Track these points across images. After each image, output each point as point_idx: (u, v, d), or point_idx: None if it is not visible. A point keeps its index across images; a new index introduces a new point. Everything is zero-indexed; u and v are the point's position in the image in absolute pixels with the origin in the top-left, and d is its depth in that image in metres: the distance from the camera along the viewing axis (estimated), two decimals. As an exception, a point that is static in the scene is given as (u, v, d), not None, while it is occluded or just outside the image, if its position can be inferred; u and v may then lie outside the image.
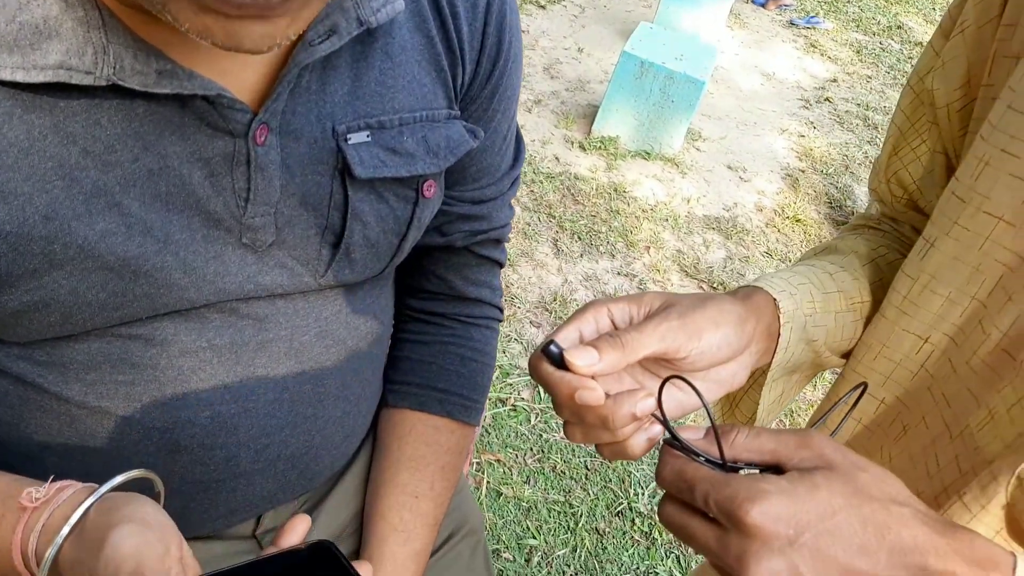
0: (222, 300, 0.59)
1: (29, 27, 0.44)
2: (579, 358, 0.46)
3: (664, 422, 0.47)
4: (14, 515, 0.45)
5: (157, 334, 0.58)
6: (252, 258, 0.59)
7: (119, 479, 0.43)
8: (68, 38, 0.45)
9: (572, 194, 3.08)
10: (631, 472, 2.10)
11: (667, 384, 0.46)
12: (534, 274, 2.66)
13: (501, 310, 0.86)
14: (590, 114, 3.54)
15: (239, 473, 0.67)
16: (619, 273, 2.79)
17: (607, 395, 0.47)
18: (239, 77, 0.52)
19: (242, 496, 0.69)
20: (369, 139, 0.59)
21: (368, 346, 0.73)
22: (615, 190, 3.19)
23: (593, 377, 0.46)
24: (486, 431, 2.11)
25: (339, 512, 0.80)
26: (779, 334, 0.56)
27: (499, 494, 1.97)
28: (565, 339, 0.49)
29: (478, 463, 2.02)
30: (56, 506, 0.45)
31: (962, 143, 0.63)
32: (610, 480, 2.07)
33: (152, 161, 0.51)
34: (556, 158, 3.27)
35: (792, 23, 5.58)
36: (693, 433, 0.45)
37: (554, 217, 2.92)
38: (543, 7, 4.41)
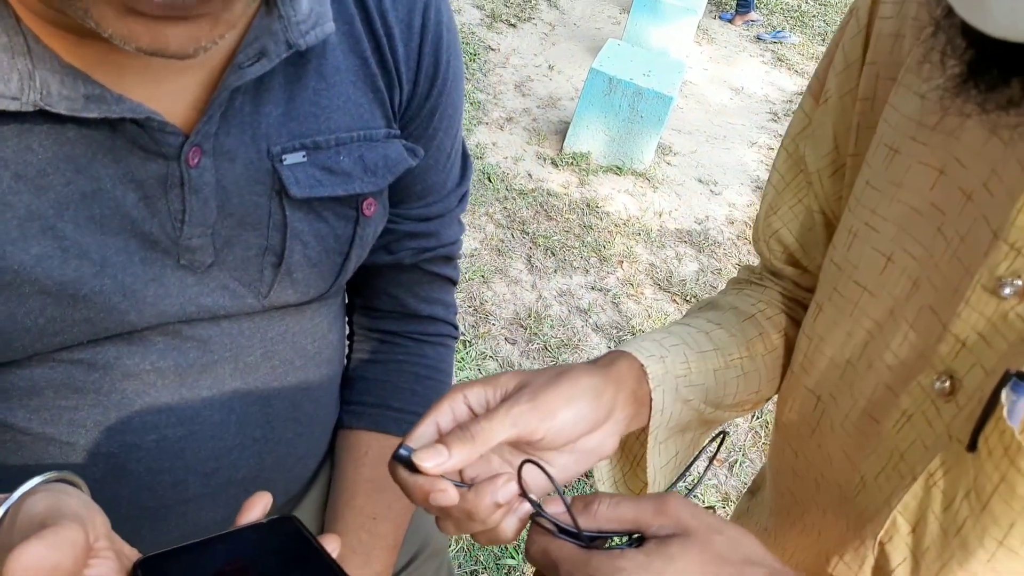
0: (164, 323, 0.59)
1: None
2: (427, 460, 0.45)
3: (529, 499, 0.47)
4: None
5: (99, 358, 0.58)
6: (192, 279, 0.59)
7: (32, 483, 0.41)
8: (-5, 62, 0.45)
9: (545, 210, 3.10)
10: (607, 486, 2.11)
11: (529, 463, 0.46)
12: (508, 291, 2.67)
13: (456, 327, 0.86)
14: (562, 130, 3.57)
15: (188, 498, 0.66)
16: (593, 288, 2.80)
17: (469, 486, 0.47)
18: (171, 101, 0.53)
19: (192, 522, 0.68)
20: (305, 159, 0.59)
21: (317, 366, 0.73)
22: (588, 205, 3.21)
23: (454, 474, 0.47)
24: (461, 449, 2.11)
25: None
26: (650, 398, 0.56)
27: (475, 512, 1.96)
28: (422, 436, 0.48)
29: (453, 482, 2.02)
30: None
31: (839, 205, 0.64)
32: (586, 495, 2.07)
33: (85, 184, 0.51)
34: (529, 175, 3.29)
35: (759, 38, 5.66)
36: (558, 507, 0.45)
37: (527, 233, 2.93)
38: (513, 25, 4.45)
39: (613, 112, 3.43)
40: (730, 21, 5.82)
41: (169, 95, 0.53)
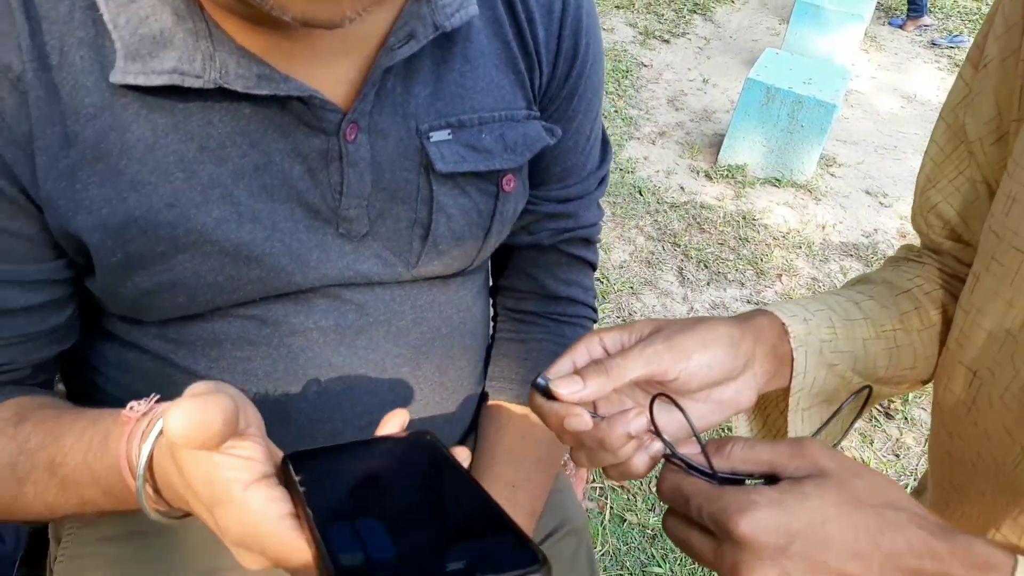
0: (325, 285, 0.65)
1: (148, 39, 0.52)
2: (564, 387, 0.48)
3: (660, 436, 0.48)
4: (120, 429, 0.51)
5: (270, 315, 0.65)
6: (349, 247, 0.65)
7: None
8: (180, 47, 0.52)
9: (698, 223, 3.05)
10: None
11: (665, 404, 0.47)
12: (658, 302, 2.64)
13: (595, 310, 0.88)
14: (716, 143, 3.50)
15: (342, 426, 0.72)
16: (748, 301, 2.72)
17: (602, 418, 0.48)
18: (331, 82, 0.59)
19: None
20: (450, 137, 0.64)
21: (462, 336, 0.77)
22: (744, 218, 3.13)
23: (589, 405, 0.48)
24: (608, 457, 2.11)
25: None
26: (791, 357, 0.55)
27: (623, 520, 1.95)
28: (558, 371, 0.50)
29: (601, 488, 2.02)
30: (153, 417, 0.48)
31: (1002, 173, 0.60)
32: (738, 510, 2.00)
33: (258, 156, 0.58)
34: (681, 188, 3.25)
35: (934, 43, 5.30)
36: (691, 448, 0.46)
37: (679, 246, 2.90)
38: (667, 41, 4.43)
39: (771, 123, 3.33)
40: (901, 27, 5.49)
41: (330, 76, 0.59)
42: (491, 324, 0.89)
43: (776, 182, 3.36)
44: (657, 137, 3.53)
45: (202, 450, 0.40)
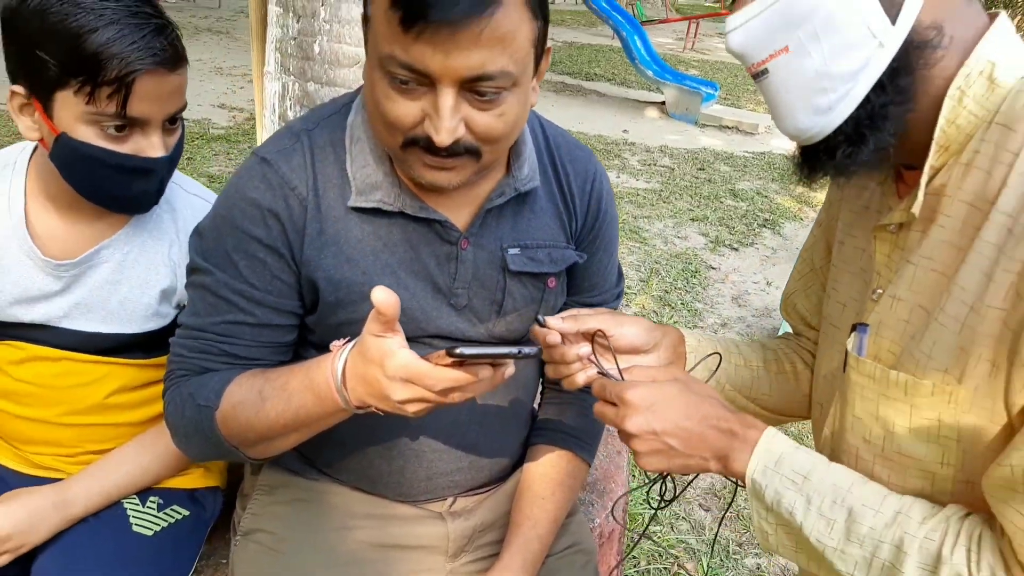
0: (436, 335, 1.10)
1: (368, 184, 1.02)
2: (550, 321, 0.96)
3: (595, 358, 0.92)
4: (327, 356, 0.92)
5: (404, 351, 1.10)
6: (454, 314, 1.10)
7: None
8: (384, 189, 1.02)
9: (751, 403, 3.37)
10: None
11: (596, 344, 0.94)
12: (708, 466, 2.94)
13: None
14: (773, 336, 3.88)
15: (435, 449, 1.13)
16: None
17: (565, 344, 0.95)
18: (456, 214, 1.07)
19: (438, 468, 1.14)
20: (519, 252, 1.10)
21: (517, 388, 1.19)
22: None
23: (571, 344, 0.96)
24: (650, 590, 2.34)
25: (498, 508, 1.22)
26: (684, 356, 1.02)
27: None
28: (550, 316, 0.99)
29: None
30: (351, 344, 0.91)
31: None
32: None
33: (412, 252, 1.06)
34: (738, 372, 3.60)
35: None
36: (608, 366, 0.92)
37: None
38: (736, 249, 4.96)
39: (822, 320, 3.70)
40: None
41: (456, 211, 1.07)
42: (539, 389, 1.31)
43: (829, 374, 3.67)
44: (719, 328, 3.94)
45: (385, 322, 0.82)
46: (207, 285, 1.03)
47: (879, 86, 0.75)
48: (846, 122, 0.76)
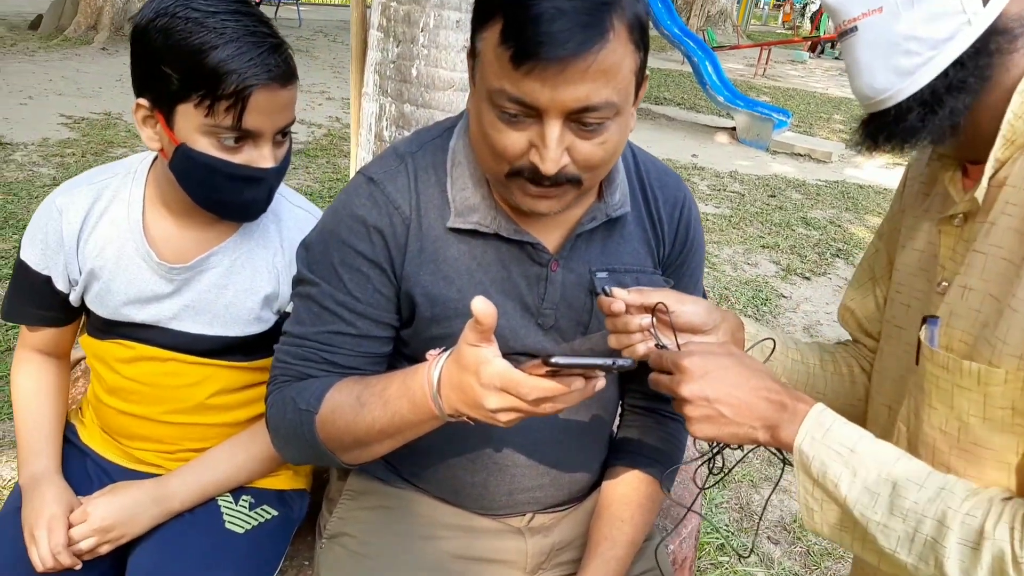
0: (523, 353, 1.13)
1: (467, 206, 1.06)
2: (616, 291, 0.99)
3: (653, 330, 0.96)
4: (424, 365, 0.94)
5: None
6: (541, 333, 1.12)
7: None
8: (481, 211, 1.06)
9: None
10: None
11: (657, 317, 0.98)
12: (776, 498, 2.88)
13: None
14: (845, 369, 3.80)
15: (518, 464, 1.16)
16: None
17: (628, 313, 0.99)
18: (547, 237, 1.10)
19: (519, 483, 1.17)
20: (607, 276, 1.12)
21: (598, 407, 1.21)
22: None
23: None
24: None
25: (576, 527, 1.23)
26: (743, 342, 1.05)
27: None
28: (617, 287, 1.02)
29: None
30: (447, 353, 0.93)
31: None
32: None
33: (504, 272, 1.09)
34: (807, 404, 3.53)
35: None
36: (667, 340, 0.95)
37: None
38: (807, 279, 4.87)
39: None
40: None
41: (548, 234, 1.10)
42: (618, 411, 1.32)
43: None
44: (789, 358, 3.88)
45: (482, 331, 0.84)
46: (312, 296, 1.08)
47: (959, 62, 0.80)
48: (923, 89, 0.81)
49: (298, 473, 1.36)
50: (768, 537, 2.68)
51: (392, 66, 1.50)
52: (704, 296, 1.27)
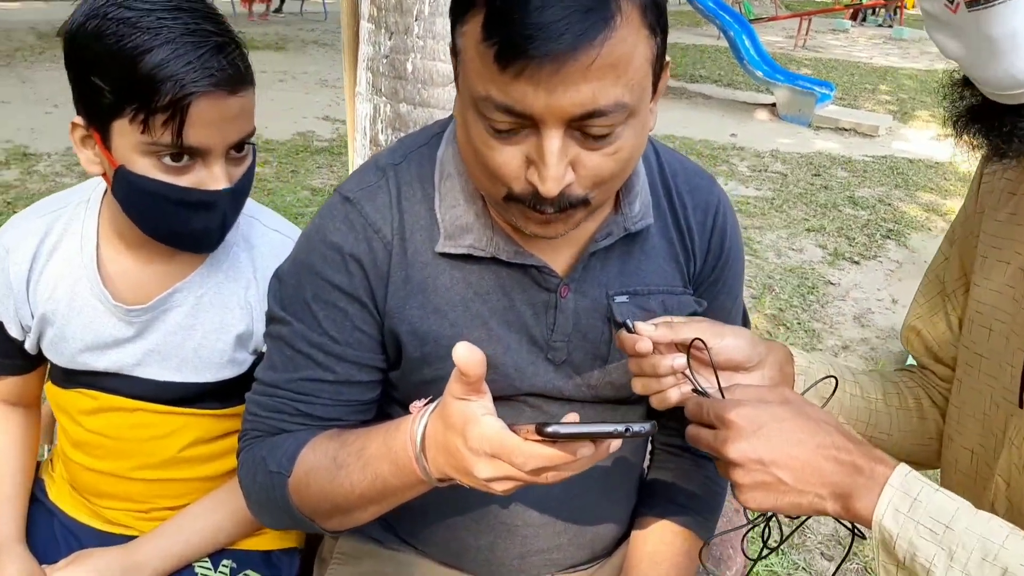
0: (532, 394, 0.96)
1: (459, 227, 0.89)
2: (641, 326, 0.83)
3: (691, 372, 0.78)
4: (406, 420, 0.79)
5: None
6: (552, 369, 0.95)
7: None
8: (476, 232, 0.89)
9: (877, 435, 3.07)
10: None
11: (692, 356, 0.80)
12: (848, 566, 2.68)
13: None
14: (901, 360, 3.55)
15: (530, 523, 0.99)
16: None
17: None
18: (556, 259, 0.93)
19: (533, 544, 1.00)
20: (627, 300, 0.95)
21: (623, 454, 1.04)
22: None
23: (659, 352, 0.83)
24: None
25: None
26: (792, 378, 0.87)
27: None
28: (642, 323, 0.85)
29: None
30: (432, 405, 0.77)
31: (967, 312, 0.90)
32: None
33: (506, 301, 0.92)
34: (862, 400, 3.31)
35: None
36: (705, 383, 0.78)
37: (855, 455, 2.93)
38: (856, 263, 4.61)
39: (959, 344, 3.36)
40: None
41: (555, 255, 0.93)
42: (648, 448, 1.15)
43: (966, 404, 3.32)
44: (840, 350, 3.64)
45: (469, 383, 0.69)
46: (284, 337, 0.93)
47: None
48: None
49: (287, 530, 1.21)
50: (821, 553, 2.48)
51: (385, 61, 1.34)
52: (745, 316, 1.09)
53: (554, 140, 0.73)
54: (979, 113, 0.72)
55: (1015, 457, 0.73)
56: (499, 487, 0.73)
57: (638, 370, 0.85)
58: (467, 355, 0.68)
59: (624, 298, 0.95)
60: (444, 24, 1.29)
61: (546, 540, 1.01)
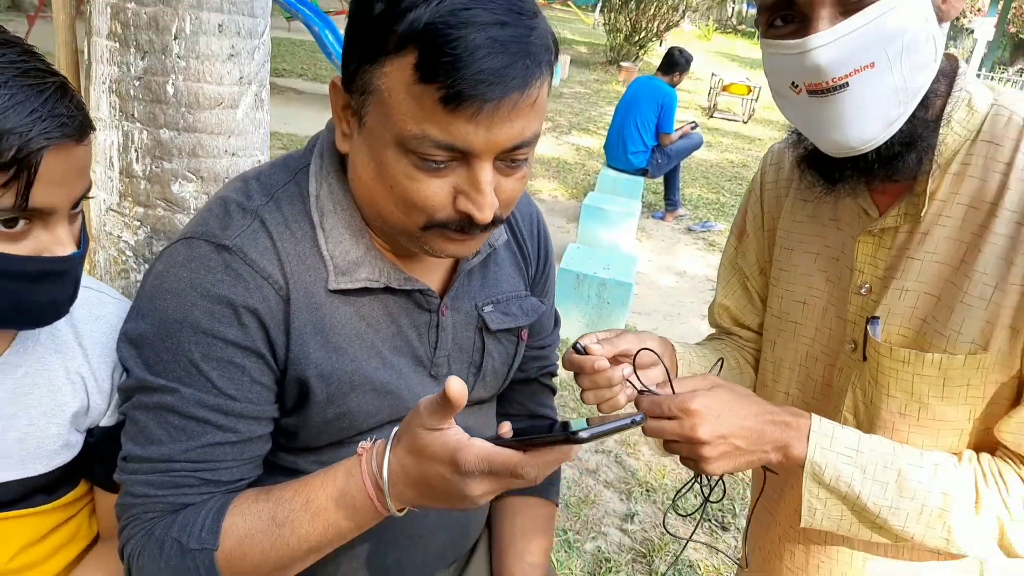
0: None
1: (350, 263, 0.90)
2: (592, 346, 0.96)
3: (636, 376, 0.94)
4: (354, 463, 0.81)
5: (384, 434, 0.99)
6: (434, 383, 1.01)
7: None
8: (367, 265, 0.91)
9: (540, 390, 3.53)
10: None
11: (626, 362, 0.97)
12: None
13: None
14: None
15: (430, 529, 1.05)
16: (596, 451, 3.18)
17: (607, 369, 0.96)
18: (432, 280, 0.99)
19: (430, 549, 1.06)
20: (493, 309, 1.05)
21: (487, 429, 1.14)
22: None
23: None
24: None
25: (481, 571, 1.16)
26: (676, 364, 1.11)
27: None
28: (587, 340, 0.98)
29: None
30: (380, 444, 0.80)
31: (764, 288, 1.20)
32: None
33: (395, 327, 0.95)
34: (520, 363, 3.76)
35: (690, 229, 6.50)
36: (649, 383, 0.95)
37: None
38: (482, 243, 5.13)
39: (583, 302, 4.00)
40: (662, 219, 6.69)
41: (434, 277, 0.99)
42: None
43: (595, 350, 3.98)
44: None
45: (446, 416, 0.74)
46: (167, 405, 0.85)
47: (922, 103, 0.87)
48: (900, 132, 0.86)
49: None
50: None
51: (138, 83, 1.20)
52: (556, 313, 1.26)
53: (487, 171, 0.81)
54: (814, 159, 0.96)
55: (860, 396, 1.00)
56: (485, 499, 0.79)
57: (591, 384, 0.96)
58: (461, 389, 0.72)
59: (490, 307, 1.05)
60: (208, 43, 1.20)
61: (441, 541, 1.08)
